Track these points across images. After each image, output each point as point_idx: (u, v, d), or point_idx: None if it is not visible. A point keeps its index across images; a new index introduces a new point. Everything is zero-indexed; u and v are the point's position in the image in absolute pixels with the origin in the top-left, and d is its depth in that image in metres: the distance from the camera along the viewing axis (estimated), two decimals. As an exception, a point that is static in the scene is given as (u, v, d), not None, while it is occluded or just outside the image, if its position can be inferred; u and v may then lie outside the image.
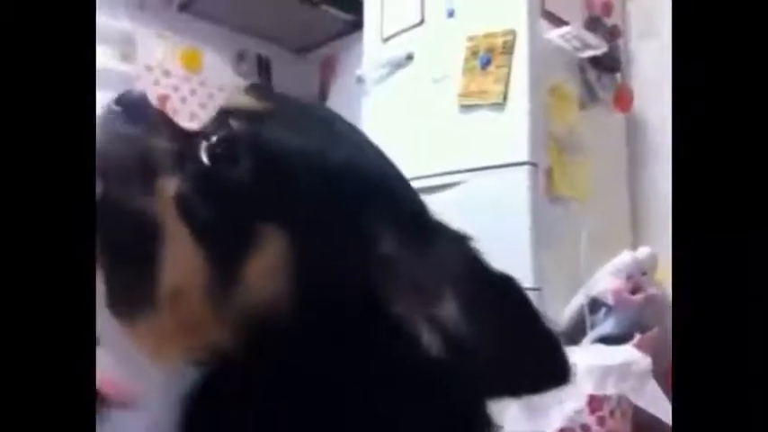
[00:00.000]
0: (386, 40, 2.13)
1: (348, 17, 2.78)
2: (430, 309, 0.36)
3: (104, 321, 0.40)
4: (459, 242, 0.40)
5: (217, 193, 0.39)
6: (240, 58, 3.05)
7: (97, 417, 0.38)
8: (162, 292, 0.38)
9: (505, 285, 0.38)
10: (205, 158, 0.40)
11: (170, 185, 0.40)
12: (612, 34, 2.00)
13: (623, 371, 1.28)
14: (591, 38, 1.83)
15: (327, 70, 3.17)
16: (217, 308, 0.38)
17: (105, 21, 2.05)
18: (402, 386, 0.36)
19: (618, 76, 2.03)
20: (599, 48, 1.85)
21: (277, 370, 0.37)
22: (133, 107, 0.46)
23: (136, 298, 0.39)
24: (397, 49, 2.04)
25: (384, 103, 2.08)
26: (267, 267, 0.38)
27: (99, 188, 0.40)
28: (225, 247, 0.38)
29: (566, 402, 1.27)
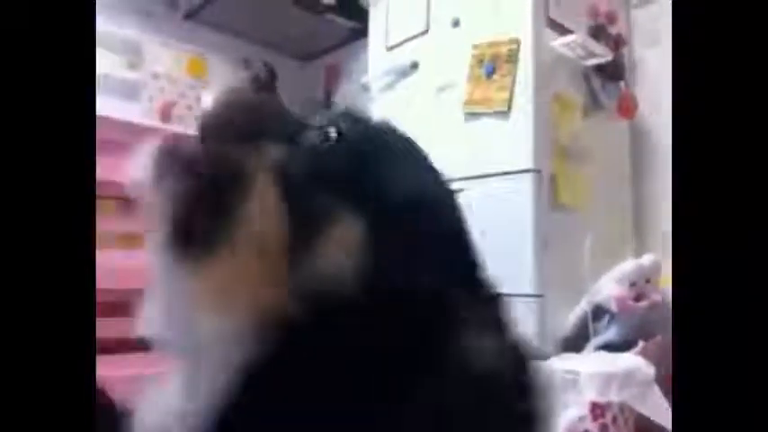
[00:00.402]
0: (391, 48, 2.14)
1: (353, 25, 2.79)
2: (474, 332, 0.39)
3: (165, 275, 0.43)
4: (498, 300, 0.45)
5: (313, 171, 0.43)
6: (245, 65, 3.07)
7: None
8: (237, 241, 0.40)
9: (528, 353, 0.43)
10: (311, 142, 0.45)
11: (273, 151, 0.44)
12: (617, 43, 2.00)
13: (626, 378, 1.28)
14: (595, 46, 1.83)
15: (331, 78, 3.18)
16: (285, 268, 0.40)
17: (112, 29, 2.06)
18: (452, 379, 0.38)
19: (622, 84, 2.03)
20: (603, 56, 1.85)
21: (334, 344, 0.39)
22: (264, 83, 0.52)
23: (211, 243, 0.41)
24: (401, 58, 2.06)
25: (389, 110, 2.09)
26: (339, 244, 0.40)
27: (210, 140, 0.45)
28: (307, 216, 0.41)
29: (568, 409, 1.27)
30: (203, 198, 0.43)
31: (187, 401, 0.40)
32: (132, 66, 1.97)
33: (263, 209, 0.41)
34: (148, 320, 0.44)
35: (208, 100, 0.48)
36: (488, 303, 0.44)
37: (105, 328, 1.47)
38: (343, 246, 0.40)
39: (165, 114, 2.37)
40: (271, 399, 0.38)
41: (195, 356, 0.41)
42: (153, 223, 0.44)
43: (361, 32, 2.64)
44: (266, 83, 0.51)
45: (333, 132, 0.45)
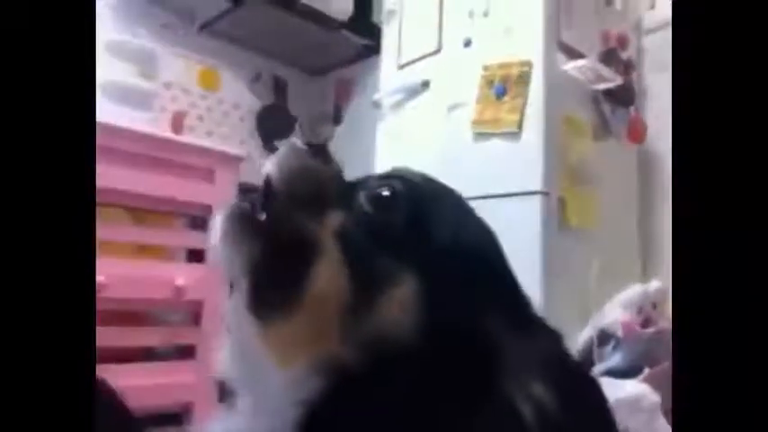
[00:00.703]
0: (402, 66, 2.16)
1: (365, 42, 2.82)
2: (525, 386, 0.41)
3: (238, 326, 0.48)
4: (554, 335, 0.47)
5: (371, 232, 0.47)
6: (257, 78, 3.10)
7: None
8: (303, 302, 0.44)
9: (591, 384, 0.44)
10: (366, 205, 0.48)
11: (335, 218, 0.48)
12: (627, 67, 2.01)
13: (633, 405, 1.26)
14: (606, 71, 1.84)
15: (342, 93, 3.20)
16: (348, 324, 0.43)
17: (127, 39, 2.09)
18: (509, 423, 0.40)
19: (631, 108, 2.03)
20: (614, 81, 1.86)
21: (389, 394, 0.41)
22: (319, 148, 0.54)
23: (279, 304, 0.45)
24: (413, 76, 2.07)
25: (399, 128, 2.10)
26: (398, 301, 0.44)
27: (279, 206, 0.49)
28: (367, 274, 0.45)
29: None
30: (276, 261, 0.47)
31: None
32: (146, 75, 1.99)
33: (328, 272, 0.45)
34: (221, 362, 0.49)
35: (269, 165, 0.51)
36: (541, 340, 0.45)
37: (115, 337, 1.47)
38: (401, 303, 0.43)
39: (177, 124, 2.39)
40: None
41: (261, 398, 0.46)
42: (227, 279, 0.49)
43: (373, 49, 2.66)
44: (321, 148, 0.54)
45: (386, 192, 0.49)
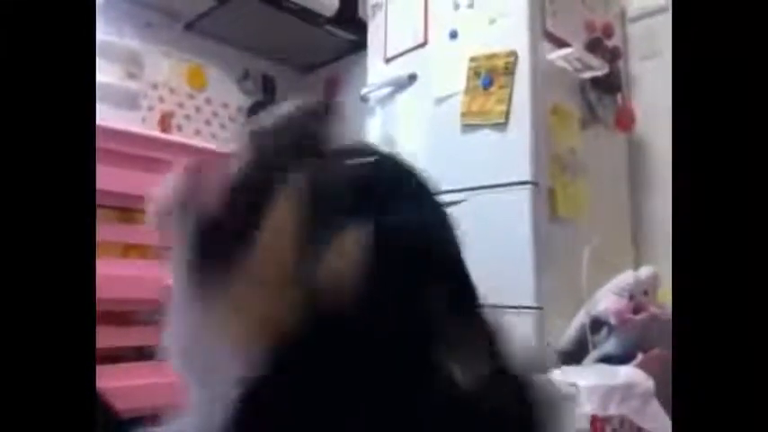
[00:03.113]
0: (389, 60, 2.15)
1: (352, 38, 2.81)
2: (466, 360, 0.41)
3: (181, 299, 0.47)
4: (495, 328, 0.46)
5: (326, 194, 0.46)
6: (245, 76, 3.09)
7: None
8: (244, 273, 0.43)
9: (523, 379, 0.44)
10: (322, 170, 0.47)
11: (294, 177, 0.47)
12: (613, 55, 2.02)
13: (626, 391, 1.27)
14: (592, 59, 1.85)
15: (331, 89, 3.19)
16: (292, 294, 0.42)
17: (112, 39, 2.07)
18: (434, 411, 0.40)
19: (619, 96, 2.04)
20: (600, 69, 1.87)
21: (331, 363, 0.41)
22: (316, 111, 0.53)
23: (231, 264, 0.44)
24: (400, 70, 2.07)
25: (387, 122, 2.10)
26: (343, 268, 0.43)
27: (252, 155, 0.48)
28: (314, 239, 0.43)
29: (568, 423, 1.26)
30: (227, 223, 0.46)
31: (200, 420, 0.43)
32: (132, 75, 1.98)
33: (278, 230, 0.44)
34: (168, 335, 0.48)
35: (278, 112, 0.51)
36: (482, 331, 0.46)
37: (104, 337, 1.47)
38: (344, 272, 0.42)
39: (165, 124, 2.38)
40: (272, 413, 0.40)
41: (207, 374, 0.44)
42: (171, 244, 0.48)
43: (360, 45, 2.66)
44: (328, 106, 0.54)
45: (348, 161, 0.48)
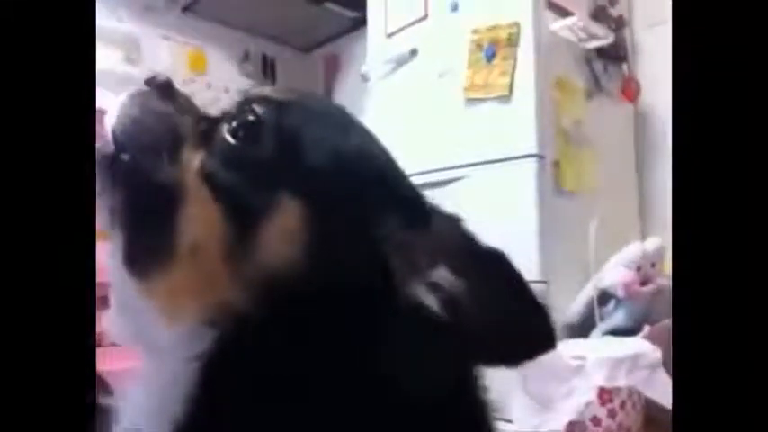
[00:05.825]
0: (390, 35, 2.13)
1: (352, 14, 2.77)
2: (428, 277, 0.40)
3: (119, 282, 0.45)
4: (452, 222, 0.44)
5: (239, 165, 0.44)
6: (245, 57, 3.07)
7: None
8: (180, 249, 0.42)
9: (497, 258, 0.41)
10: (229, 138, 0.45)
11: (195, 158, 0.45)
12: (618, 24, 1.98)
13: (633, 362, 1.27)
14: (596, 28, 1.82)
15: (332, 68, 3.17)
16: (232, 266, 0.41)
17: (109, 24, 2.06)
18: (403, 344, 0.39)
19: (624, 66, 2.01)
20: (605, 38, 1.84)
21: (288, 331, 0.40)
22: (162, 88, 0.50)
23: (155, 255, 0.43)
24: (401, 45, 2.04)
25: (389, 98, 2.08)
26: (282, 231, 0.41)
27: (128, 156, 0.46)
28: (243, 209, 0.42)
29: (576, 394, 1.27)
30: (140, 212, 0.45)
31: (151, 399, 0.42)
32: (130, 60, 1.97)
33: (198, 215, 0.43)
34: (109, 323, 0.47)
35: (113, 111, 0.47)
36: (440, 228, 0.43)
37: (103, 320, 1.48)
38: (284, 234, 0.41)
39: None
40: (226, 391, 0.40)
41: (155, 355, 0.43)
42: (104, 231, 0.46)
43: (361, 22, 2.62)
44: (164, 86, 0.50)
45: (249, 118, 0.45)
